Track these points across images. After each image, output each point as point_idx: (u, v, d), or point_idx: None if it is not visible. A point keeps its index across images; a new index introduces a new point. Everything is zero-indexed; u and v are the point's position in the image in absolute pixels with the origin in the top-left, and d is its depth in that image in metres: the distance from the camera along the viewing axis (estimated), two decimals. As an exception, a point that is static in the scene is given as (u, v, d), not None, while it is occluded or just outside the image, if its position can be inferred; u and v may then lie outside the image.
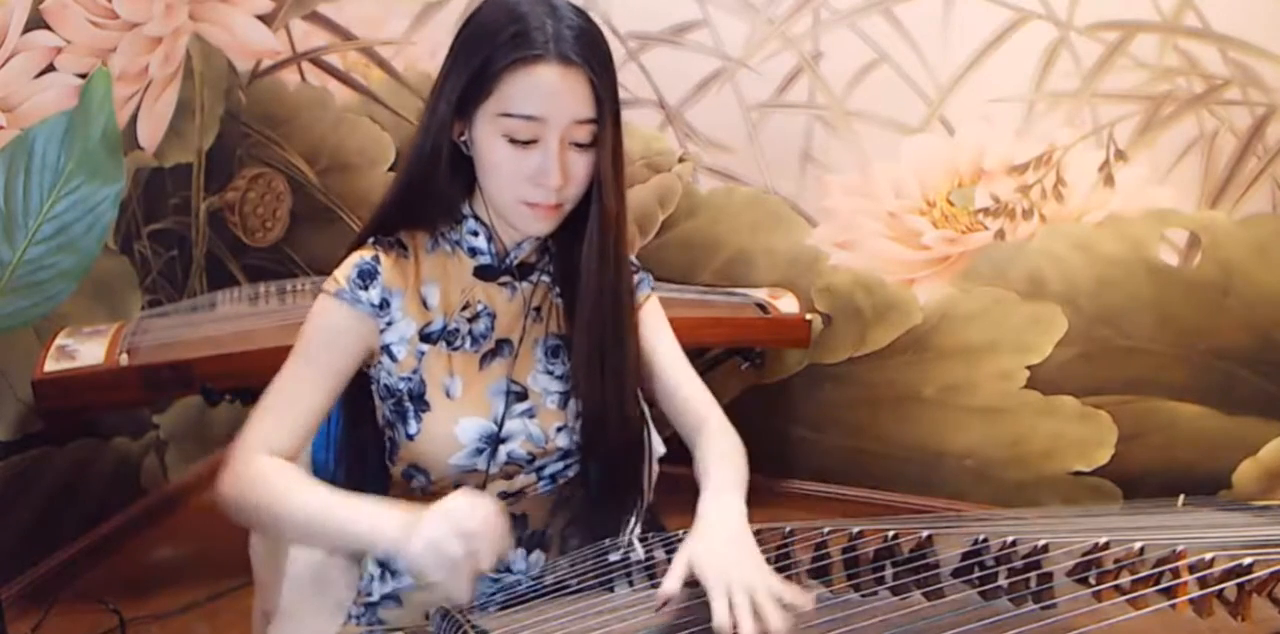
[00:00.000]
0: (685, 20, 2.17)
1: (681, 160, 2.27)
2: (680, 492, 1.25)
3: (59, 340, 1.88)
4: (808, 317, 2.14)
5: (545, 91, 0.94)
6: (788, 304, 2.17)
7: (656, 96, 2.23)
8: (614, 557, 0.97)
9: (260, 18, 2.43)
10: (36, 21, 1.93)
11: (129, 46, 2.18)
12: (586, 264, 1.04)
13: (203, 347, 1.84)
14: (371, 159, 2.47)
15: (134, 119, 2.24)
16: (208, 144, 2.50)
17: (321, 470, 1.22)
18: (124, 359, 1.78)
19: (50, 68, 1.97)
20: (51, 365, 1.77)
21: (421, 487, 1.10)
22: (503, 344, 1.09)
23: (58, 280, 1.56)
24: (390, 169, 2.46)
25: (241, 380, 1.81)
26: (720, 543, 0.90)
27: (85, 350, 1.83)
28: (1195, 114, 1.99)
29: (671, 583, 0.85)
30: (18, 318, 1.57)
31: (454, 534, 0.84)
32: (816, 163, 2.20)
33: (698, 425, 1.12)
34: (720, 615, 0.80)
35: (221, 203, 2.56)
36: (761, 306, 2.14)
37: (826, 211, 2.24)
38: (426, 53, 2.35)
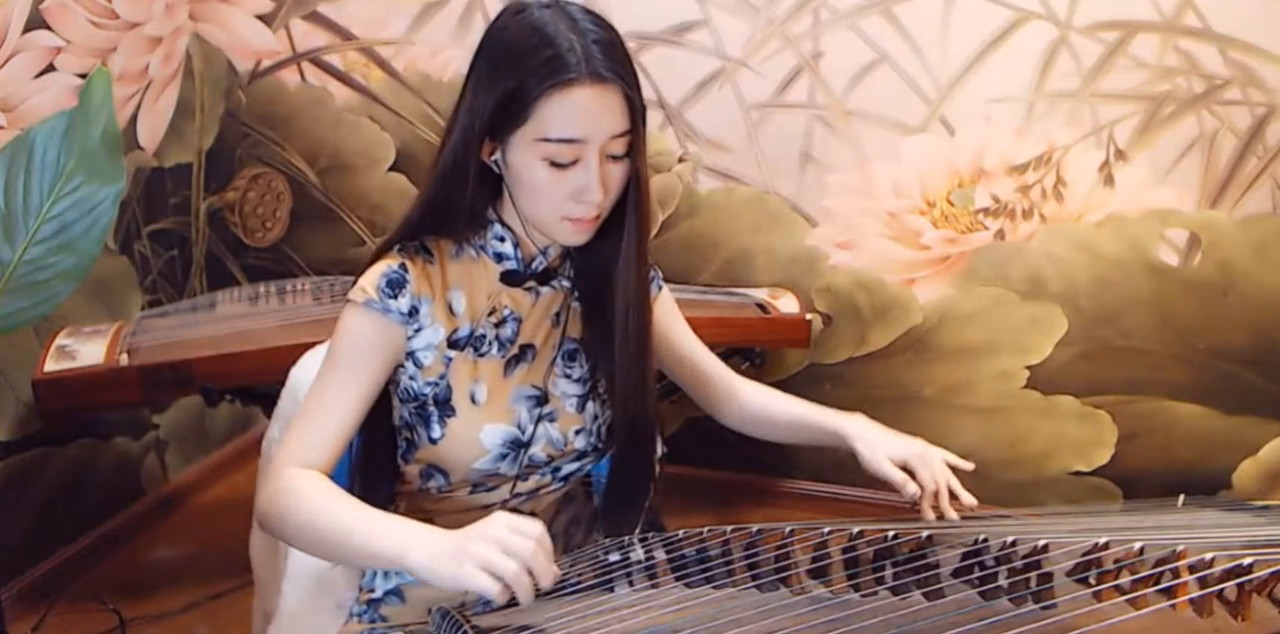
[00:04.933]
0: (685, 20, 2.17)
1: (681, 160, 2.27)
2: (680, 492, 1.25)
3: (59, 340, 1.88)
4: (808, 317, 2.14)
5: (583, 113, 0.94)
6: (788, 304, 2.17)
7: (656, 96, 2.23)
8: (614, 557, 0.96)
9: (260, 18, 2.43)
10: (36, 21, 1.93)
11: (129, 46, 2.18)
12: (624, 266, 1.05)
13: (203, 346, 1.83)
14: (371, 159, 2.47)
15: (134, 119, 2.25)
16: (208, 144, 2.50)
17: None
18: (124, 359, 1.78)
19: (50, 68, 1.97)
20: (51, 365, 1.77)
21: (438, 487, 1.09)
22: (526, 349, 1.09)
23: (58, 280, 1.56)
24: (391, 169, 2.46)
25: (241, 380, 1.81)
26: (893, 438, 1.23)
27: (85, 350, 1.82)
28: (1195, 114, 1.99)
29: (902, 481, 1.14)
30: (18, 318, 1.57)
31: (503, 553, 0.82)
32: (816, 163, 2.20)
33: (730, 388, 1.27)
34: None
35: (221, 203, 2.56)
36: (761, 306, 2.14)
37: (826, 211, 2.24)
38: (426, 53, 2.35)
